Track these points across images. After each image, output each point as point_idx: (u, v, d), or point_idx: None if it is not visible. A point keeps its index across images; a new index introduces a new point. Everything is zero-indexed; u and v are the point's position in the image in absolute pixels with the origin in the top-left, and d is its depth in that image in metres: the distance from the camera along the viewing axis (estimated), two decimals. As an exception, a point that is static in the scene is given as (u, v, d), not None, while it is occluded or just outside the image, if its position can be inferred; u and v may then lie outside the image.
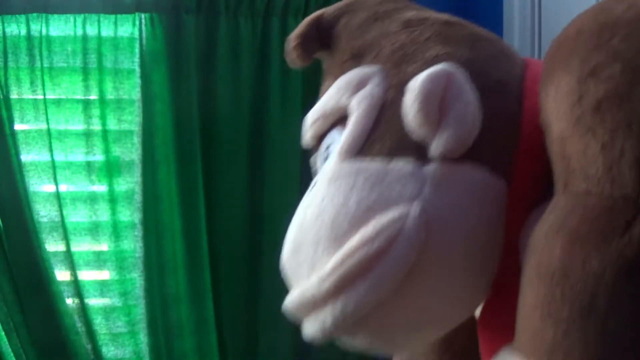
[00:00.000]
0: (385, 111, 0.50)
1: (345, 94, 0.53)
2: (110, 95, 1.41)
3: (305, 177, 1.51)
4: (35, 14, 1.34)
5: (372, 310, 0.47)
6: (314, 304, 0.49)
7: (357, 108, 0.51)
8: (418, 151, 0.48)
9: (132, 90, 1.42)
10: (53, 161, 1.39)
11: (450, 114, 0.47)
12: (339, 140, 0.52)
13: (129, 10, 1.37)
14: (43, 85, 1.37)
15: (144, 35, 1.39)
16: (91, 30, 1.37)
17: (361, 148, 0.50)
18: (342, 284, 0.47)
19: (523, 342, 0.44)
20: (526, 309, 0.44)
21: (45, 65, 1.36)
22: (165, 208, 1.43)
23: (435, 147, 0.47)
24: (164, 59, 1.39)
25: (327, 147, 0.55)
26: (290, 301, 0.51)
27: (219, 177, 1.46)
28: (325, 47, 0.59)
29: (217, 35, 1.42)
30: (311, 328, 0.51)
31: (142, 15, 1.39)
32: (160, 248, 1.44)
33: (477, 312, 0.55)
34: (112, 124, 1.42)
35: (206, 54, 1.43)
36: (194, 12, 1.40)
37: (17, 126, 1.37)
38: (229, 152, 1.45)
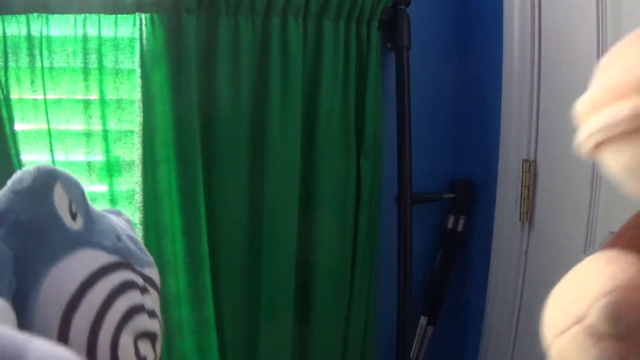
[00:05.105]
0: None
1: None
2: (110, 96, 1.41)
3: (305, 177, 1.51)
4: (35, 14, 1.34)
5: None
6: (622, 90, 0.48)
7: None
8: None
9: (132, 90, 1.42)
10: (53, 161, 1.39)
11: None
12: None
13: (129, 11, 1.37)
14: (43, 85, 1.37)
15: (144, 35, 1.39)
16: (91, 31, 1.37)
17: None
18: None
19: None
20: None
21: (45, 65, 1.36)
22: (165, 208, 1.43)
23: None
24: (164, 59, 1.39)
25: None
26: (591, 92, 0.51)
27: (219, 177, 1.46)
28: None
29: (217, 35, 1.42)
30: (597, 121, 0.50)
31: (143, 16, 1.39)
32: (161, 248, 1.44)
33: None
34: (113, 124, 1.42)
35: (206, 54, 1.43)
36: (195, 12, 1.40)
37: (18, 126, 1.37)
38: (229, 152, 1.45)
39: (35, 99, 1.37)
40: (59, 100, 1.40)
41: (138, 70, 1.40)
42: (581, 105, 0.52)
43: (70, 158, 1.42)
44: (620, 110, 0.48)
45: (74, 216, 0.78)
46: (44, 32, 1.35)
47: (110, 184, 1.43)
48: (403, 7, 1.54)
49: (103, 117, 1.41)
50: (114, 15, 1.38)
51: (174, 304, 1.46)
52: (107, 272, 0.77)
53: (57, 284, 0.71)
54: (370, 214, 1.56)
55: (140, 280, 0.84)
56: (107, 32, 1.38)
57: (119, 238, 0.84)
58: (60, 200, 0.75)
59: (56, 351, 0.57)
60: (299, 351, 1.55)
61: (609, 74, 0.52)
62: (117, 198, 1.44)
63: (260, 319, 1.49)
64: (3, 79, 1.34)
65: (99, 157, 1.42)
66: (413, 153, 1.57)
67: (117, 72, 1.41)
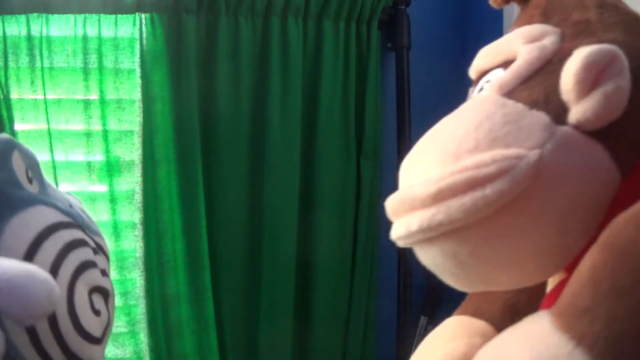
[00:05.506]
0: (547, 67, 0.55)
1: (521, 41, 0.57)
2: (110, 95, 1.41)
3: (305, 177, 1.51)
4: (35, 14, 1.34)
5: (457, 228, 0.50)
6: (410, 204, 0.52)
7: (526, 55, 0.56)
8: (558, 111, 0.52)
9: (132, 90, 1.42)
10: (53, 161, 1.39)
11: (601, 89, 0.50)
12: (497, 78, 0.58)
13: (129, 11, 1.37)
14: (43, 85, 1.37)
15: (144, 35, 1.39)
16: (91, 31, 1.37)
17: (513, 90, 0.55)
18: (443, 194, 0.50)
19: (559, 302, 0.46)
20: (577, 272, 0.46)
21: (45, 65, 1.36)
22: (165, 208, 1.43)
23: (574, 112, 0.51)
24: (164, 59, 1.39)
25: (486, 82, 0.60)
26: (391, 198, 0.55)
27: (219, 177, 1.46)
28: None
29: (217, 35, 1.42)
30: (398, 229, 0.54)
31: (143, 16, 1.39)
32: (161, 248, 1.44)
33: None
34: (113, 124, 1.42)
35: (206, 54, 1.43)
36: (194, 12, 1.40)
37: (18, 126, 1.37)
38: (229, 152, 1.45)
39: (35, 99, 1.37)
40: (59, 100, 1.40)
41: (138, 70, 1.40)
42: (387, 207, 0.56)
43: (70, 158, 1.42)
44: (412, 223, 0.52)
45: (30, 181, 0.84)
46: (44, 32, 1.35)
47: (110, 184, 1.43)
48: (403, 7, 1.54)
49: (103, 117, 1.41)
50: (114, 15, 1.38)
51: (174, 304, 1.46)
52: (61, 227, 0.83)
53: (15, 234, 0.77)
54: (370, 214, 1.56)
55: (92, 242, 0.89)
56: (107, 32, 1.39)
57: (71, 206, 0.90)
58: (18, 165, 0.82)
59: (21, 263, 0.70)
60: (299, 351, 1.55)
61: (405, 181, 0.57)
62: (117, 198, 1.44)
63: (260, 319, 1.49)
64: (3, 79, 1.34)
65: (99, 157, 1.42)
66: (413, 153, 1.57)
67: (117, 72, 1.41)
